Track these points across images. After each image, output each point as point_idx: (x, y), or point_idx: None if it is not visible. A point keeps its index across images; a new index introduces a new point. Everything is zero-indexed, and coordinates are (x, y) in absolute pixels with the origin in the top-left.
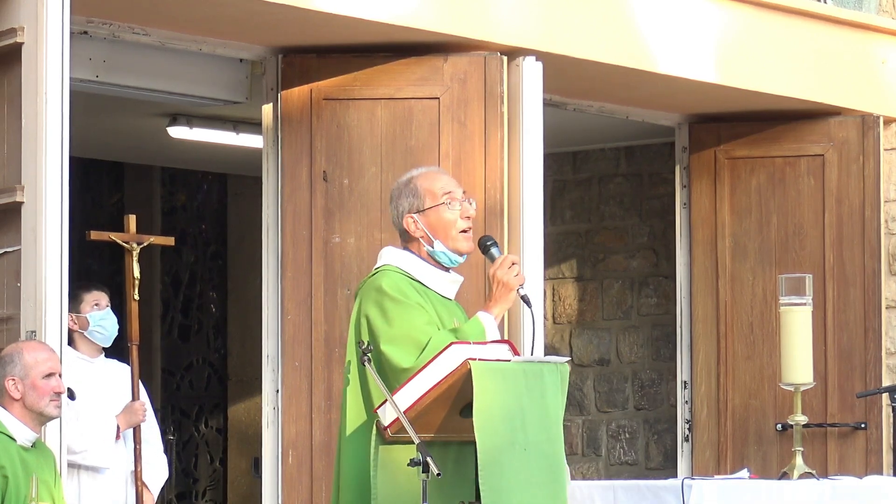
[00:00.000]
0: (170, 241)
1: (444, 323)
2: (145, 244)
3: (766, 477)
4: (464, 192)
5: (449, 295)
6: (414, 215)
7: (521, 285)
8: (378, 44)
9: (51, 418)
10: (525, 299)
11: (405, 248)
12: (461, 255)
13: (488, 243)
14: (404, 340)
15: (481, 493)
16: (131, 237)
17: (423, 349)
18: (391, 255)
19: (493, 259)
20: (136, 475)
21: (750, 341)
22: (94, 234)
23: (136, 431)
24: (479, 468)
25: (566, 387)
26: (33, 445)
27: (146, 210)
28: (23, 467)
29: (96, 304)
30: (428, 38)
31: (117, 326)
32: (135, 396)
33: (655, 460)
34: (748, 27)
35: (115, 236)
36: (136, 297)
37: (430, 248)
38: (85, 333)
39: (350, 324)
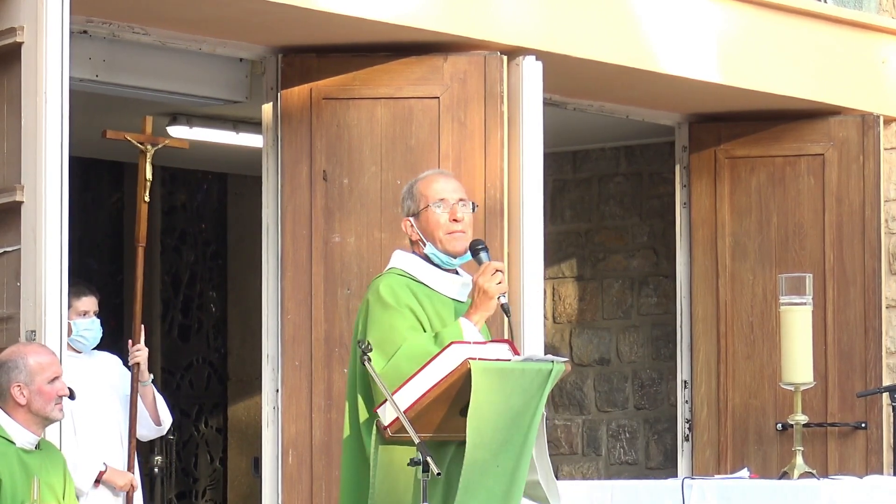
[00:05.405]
0: (184, 143)
1: (446, 325)
2: (160, 146)
3: (766, 477)
4: (462, 198)
5: (457, 296)
6: (410, 219)
7: (503, 294)
8: (378, 43)
9: (55, 421)
10: (504, 308)
11: (412, 250)
12: (455, 256)
13: (478, 247)
14: (381, 345)
15: (458, 491)
16: (146, 138)
17: (394, 354)
18: (398, 258)
19: (480, 263)
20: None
21: (750, 341)
22: (111, 133)
23: (134, 394)
24: (464, 467)
25: (551, 386)
26: (37, 447)
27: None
28: (22, 469)
29: (84, 313)
30: (428, 37)
31: (100, 335)
32: (135, 315)
33: (655, 460)
34: (748, 27)
35: (130, 136)
36: (147, 199)
37: (426, 251)
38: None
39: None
